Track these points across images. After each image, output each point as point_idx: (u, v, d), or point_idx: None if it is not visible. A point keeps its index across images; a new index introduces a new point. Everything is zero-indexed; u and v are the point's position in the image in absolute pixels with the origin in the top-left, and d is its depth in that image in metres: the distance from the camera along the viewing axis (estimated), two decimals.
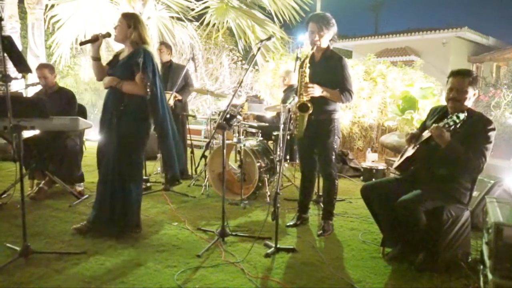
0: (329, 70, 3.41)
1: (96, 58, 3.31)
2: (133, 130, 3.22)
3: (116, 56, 3.38)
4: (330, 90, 3.36)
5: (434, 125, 2.68)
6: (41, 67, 4.36)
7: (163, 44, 5.59)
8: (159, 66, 5.45)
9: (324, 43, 3.42)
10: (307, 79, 3.34)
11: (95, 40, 3.24)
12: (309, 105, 3.29)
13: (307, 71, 3.36)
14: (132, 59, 3.17)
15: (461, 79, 2.71)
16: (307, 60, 3.38)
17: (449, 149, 2.61)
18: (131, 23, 3.19)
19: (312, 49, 3.41)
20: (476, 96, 2.77)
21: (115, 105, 3.20)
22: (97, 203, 3.31)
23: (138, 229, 3.37)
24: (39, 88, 4.54)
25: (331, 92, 3.36)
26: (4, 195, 4.09)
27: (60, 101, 4.19)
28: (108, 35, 3.30)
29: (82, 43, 3.51)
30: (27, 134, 4.43)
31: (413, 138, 2.97)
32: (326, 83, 3.36)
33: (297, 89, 3.45)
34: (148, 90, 3.11)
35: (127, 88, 3.15)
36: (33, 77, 4.43)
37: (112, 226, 3.23)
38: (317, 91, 3.29)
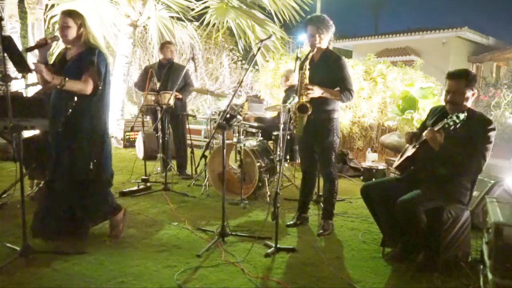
0: (328, 70, 3.42)
1: (43, 63, 3.03)
2: (87, 131, 3.08)
3: (62, 55, 3.19)
4: (330, 90, 3.37)
5: (428, 128, 2.69)
6: None
7: (171, 43, 5.76)
8: (161, 64, 5.52)
9: (324, 44, 3.44)
10: (307, 81, 3.35)
11: (44, 44, 2.99)
12: (308, 106, 3.30)
13: (307, 72, 3.37)
14: (85, 58, 3.04)
15: (457, 82, 2.71)
16: (307, 62, 3.39)
17: (443, 151, 2.62)
18: (80, 22, 3.06)
19: (312, 50, 3.42)
20: (475, 96, 2.77)
21: (64, 108, 3.02)
22: (47, 208, 3.13)
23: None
24: (38, 88, 4.54)
25: (331, 92, 3.37)
26: (4, 195, 4.09)
27: None
28: (56, 38, 3.08)
29: (28, 49, 3.19)
30: (27, 134, 4.44)
31: (413, 137, 2.97)
32: (325, 83, 3.37)
33: (297, 90, 3.46)
34: (99, 87, 3.01)
35: (70, 85, 2.94)
36: (33, 77, 4.43)
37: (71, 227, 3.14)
38: (317, 92, 3.30)
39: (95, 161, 3.09)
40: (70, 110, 3.00)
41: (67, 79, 2.93)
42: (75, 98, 3.00)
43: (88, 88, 3.00)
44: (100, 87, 3.03)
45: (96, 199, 3.21)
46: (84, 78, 2.99)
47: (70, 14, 3.06)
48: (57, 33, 3.11)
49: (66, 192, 3.08)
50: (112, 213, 3.30)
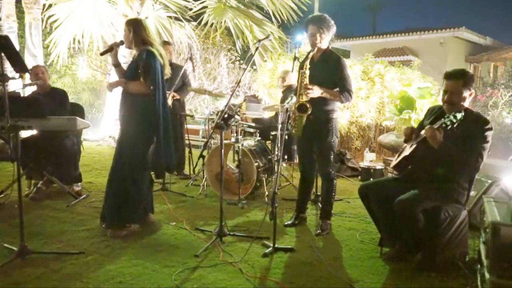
0: (328, 71, 3.41)
1: (116, 65, 3.58)
2: (136, 128, 3.33)
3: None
4: (329, 90, 3.37)
5: (428, 126, 2.69)
6: (37, 67, 4.37)
7: (169, 44, 5.68)
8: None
9: (324, 44, 3.43)
10: (307, 80, 3.34)
11: (111, 49, 3.50)
12: (308, 106, 3.30)
13: (307, 72, 3.36)
14: (136, 61, 3.34)
15: (454, 82, 2.72)
16: (307, 62, 3.38)
17: (442, 150, 2.62)
18: (130, 28, 3.37)
19: (312, 50, 3.41)
20: (472, 96, 2.77)
21: (121, 105, 3.42)
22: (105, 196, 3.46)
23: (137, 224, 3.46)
24: (33, 89, 4.52)
25: (330, 93, 3.37)
26: (2, 195, 4.08)
27: (53, 101, 4.17)
28: (121, 43, 3.49)
29: (102, 53, 3.80)
30: (24, 134, 4.43)
31: (413, 132, 2.98)
32: (325, 83, 3.36)
33: (297, 89, 3.45)
34: (151, 88, 3.27)
35: (131, 88, 3.33)
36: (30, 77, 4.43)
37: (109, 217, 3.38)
38: (316, 92, 3.30)
39: (140, 157, 3.36)
40: (125, 108, 3.39)
41: (128, 82, 3.34)
42: (128, 96, 3.37)
43: (144, 88, 3.29)
44: (151, 87, 3.28)
45: (139, 199, 3.42)
46: (142, 79, 3.29)
47: (125, 21, 3.47)
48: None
49: (119, 183, 3.33)
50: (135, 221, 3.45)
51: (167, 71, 3.50)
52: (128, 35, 3.39)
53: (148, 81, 3.26)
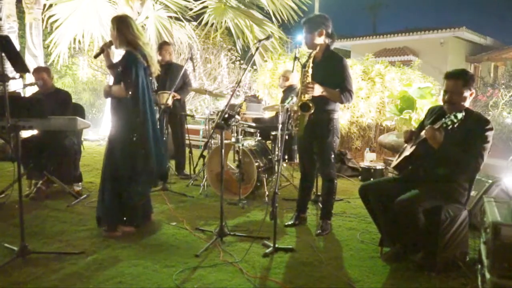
0: (330, 71, 3.41)
1: (110, 66, 3.47)
2: (119, 131, 3.28)
3: None
4: (330, 90, 3.36)
5: (428, 126, 2.70)
6: (39, 70, 4.36)
7: (169, 44, 5.68)
8: (159, 64, 5.49)
9: (317, 40, 3.41)
10: (309, 79, 3.34)
11: (102, 51, 3.41)
12: (310, 104, 3.29)
13: (310, 71, 3.36)
14: (119, 64, 3.27)
15: (454, 82, 2.72)
16: (311, 61, 3.38)
17: (442, 150, 2.62)
18: (114, 26, 3.25)
19: (314, 50, 3.41)
20: (473, 95, 2.77)
21: (110, 106, 3.36)
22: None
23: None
24: (36, 88, 4.52)
25: (331, 92, 3.37)
26: (2, 195, 4.08)
27: (56, 102, 4.17)
28: (111, 43, 3.38)
29: (95, 56, 3.71)
30: (25, 134, 4.43)
31: (412, 135, 2.98)
32: (326, 83, 3.36)
33: (299, 88, 3.45)
34: (129, 92, 3.17)
35: (114, 92, 3.25)
36: (31, 77, 4.43)
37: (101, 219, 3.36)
38: (317, 90, 3.29)
39: (126, 160, 3.27)
40: (112, 110, 3.33)
41: (111, 85, 3.30)
42: (113, 98, 3.30)
43: (123, 92, 3.19)
44: (130, 91, 3.18)
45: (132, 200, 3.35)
46: (122, 83, 3.20)
47: (111, 19, 3.32)
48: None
49: (107, 183, 3.29)
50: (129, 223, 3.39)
51: (155, 69, 3.41)
52: (113, 34, 3.27)
53: (126, 86, 3.16)
